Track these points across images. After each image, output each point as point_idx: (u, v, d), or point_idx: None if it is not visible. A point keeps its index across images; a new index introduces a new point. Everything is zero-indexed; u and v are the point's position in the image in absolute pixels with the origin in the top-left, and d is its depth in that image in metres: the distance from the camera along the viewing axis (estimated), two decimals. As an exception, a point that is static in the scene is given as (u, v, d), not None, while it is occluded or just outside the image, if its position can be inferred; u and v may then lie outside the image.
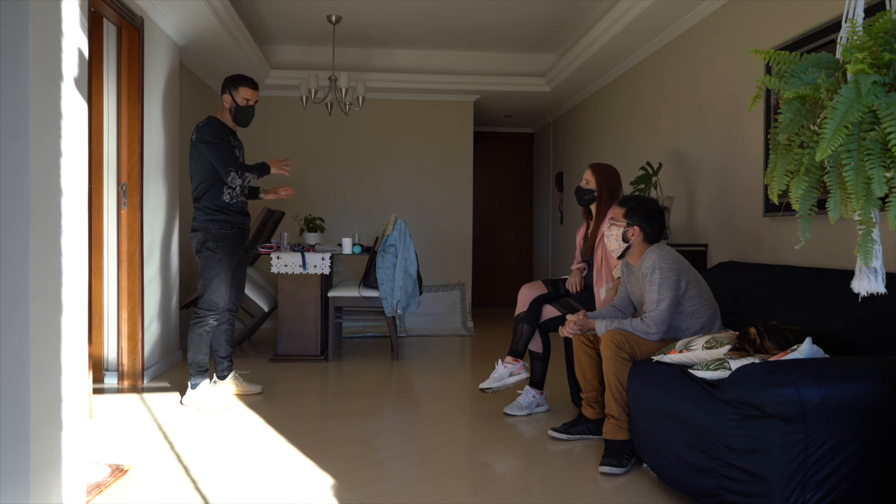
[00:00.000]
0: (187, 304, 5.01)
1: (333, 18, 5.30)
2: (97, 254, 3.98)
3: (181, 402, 3.62)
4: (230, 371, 3.79)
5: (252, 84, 3.67)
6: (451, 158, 6.96)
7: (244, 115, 3.66)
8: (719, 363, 2.22)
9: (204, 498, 2.36)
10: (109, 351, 4.07)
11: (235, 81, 3.64)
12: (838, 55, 1.51)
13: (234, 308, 3.77)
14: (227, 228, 3.56)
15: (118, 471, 2.04)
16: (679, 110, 4.61)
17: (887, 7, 1.51)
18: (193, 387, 3.55)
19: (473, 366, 4.93)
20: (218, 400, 3.53)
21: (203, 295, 3.56)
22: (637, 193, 4.26)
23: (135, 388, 3.95)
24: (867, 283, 1.50)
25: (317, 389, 4.09)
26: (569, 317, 2.95)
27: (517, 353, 3.44)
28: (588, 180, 3.47)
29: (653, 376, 2.50)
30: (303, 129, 6.71)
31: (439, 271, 6.88)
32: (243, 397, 3.75)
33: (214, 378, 3.78)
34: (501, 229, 8.73)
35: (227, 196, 3.57)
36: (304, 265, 4.77)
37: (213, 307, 3.56)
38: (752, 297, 2.98)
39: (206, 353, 3.60)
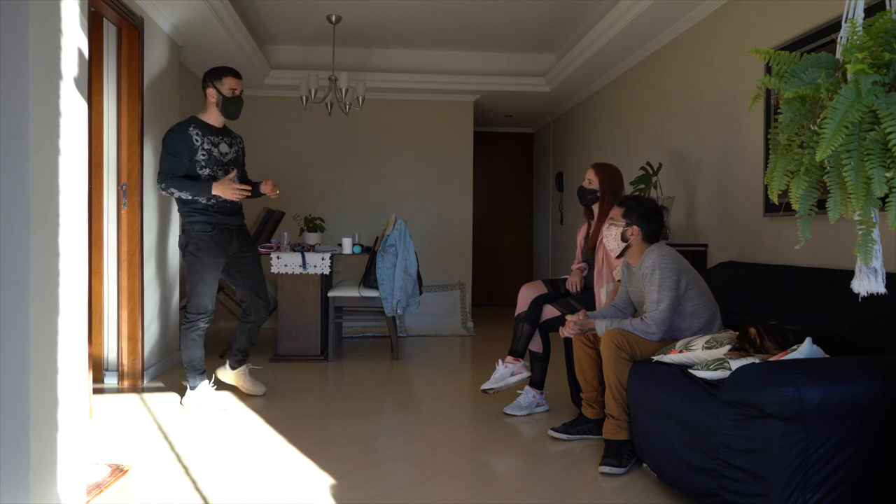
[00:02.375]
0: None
1: (333, 18, 5.30)
2: (97, 254, 3.98)
3: (181, 402, 3.62)
4: (241, 364, 3.77)
5: (235, 73, 3.56)
6: (451, 158, 6.96)
7: (233, 106, 3.54)
8: (719, 363, 2.22)
9: (204, 498, 2.36)
10: (109, 351, 4.07)
11: (218, 73, 3.53)
12: (838, 55, 1.51)
13: (259, 310, 3.72)
14: (207, 229, 3.48)
15: (118, 471, 2.04)
16: (679, 110, 4.61)
17: (887, 7, 1.51)
18: (192, 388, 3.54)
19: (473, 366, 4.93)
20: (217, 400, 3.53)
21: (190, 299, 3.53)
22: (637, 193, 4.26)
23: (135, 388, 3.95)
24: (867, 283, 1.50)
25: (317, 389, 4.09)
26: (568, 317, 2.95)
27: (517, 353, 3.44)
28: (591, 180, 3.47)
29: (653, 376, 2.50)
30: (303, 129, 6.71)
31: (439, 271, 6.88)
32: (244, 397, 3.74)
33: (225, 366, 3.80)
34: (501, 229, 8.73)
35: (204, 199, 3.47)
36: (304, 265, 4.77)
37: (201, 310, 3.52)
38: (752, 297, 2.98)
39: (200, 354, 3.57)
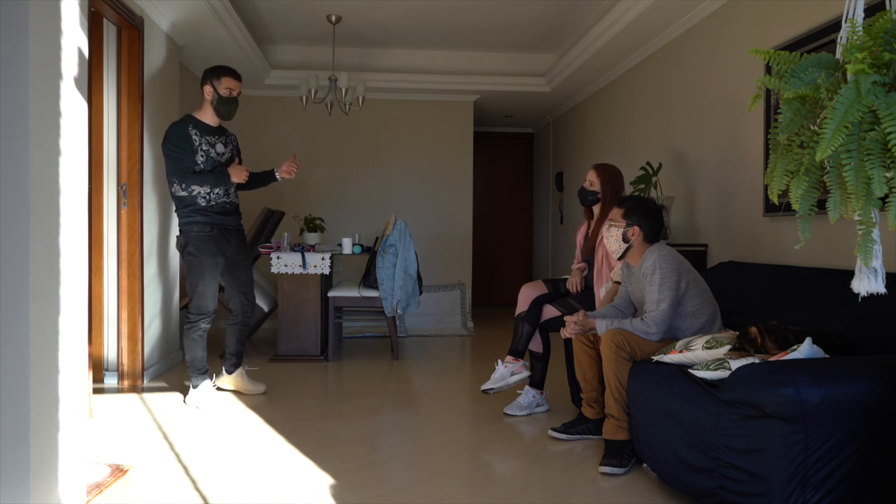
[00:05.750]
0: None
1: (333, 18, 5.30)
2: (97, 254, 3.98)
3: (184, 401, 3.62)
4: (237, 367, 3.80)
5: (234, 74, 3.55)
6: (451, 158, 6.96)
7: (227, 106, 3.53)
8: (719, 363, 2.22)
9: (204, 498, 2.36)
10: (109, 351, 4.07)
11: (217, 72, 3.53)
12: (838, 55, 1.51)
13: (245, 311, 3.78)
14: (206, 230, 3.48)
15: (118, 471, 2.04)
16: (679, 110, 4.61)
17: (887, 7, 1.51)
18: (195, 387, 3.56)
19: (473, 366, 4.93)
20: (218, 400, 3.54)
21: (191, 300, 3.55)
22: (637, 193, 4.26)
23: (135, 388, 3.95)
24: (867, 283, 1.50)
25: (317, 389, 4.09)
26: (567, 318, 2.94)
27: (517, 353, 3.44)
28: (592, 181, 3.47)
29: (653, 376, 2.50)
30: (303, 129, 6.71)
31: (439, 271, 6.88)
32: (244, 397, 3.74)
33: (223, 373, 3.80)
34: (501, 229, 8.72)
35: (203, 200, 3.48)
36: (304, 265, 4.77)
37: (202, 311, 3.54)
38: (752, 297, 2.98)
39: (201, 354, 3.59)
